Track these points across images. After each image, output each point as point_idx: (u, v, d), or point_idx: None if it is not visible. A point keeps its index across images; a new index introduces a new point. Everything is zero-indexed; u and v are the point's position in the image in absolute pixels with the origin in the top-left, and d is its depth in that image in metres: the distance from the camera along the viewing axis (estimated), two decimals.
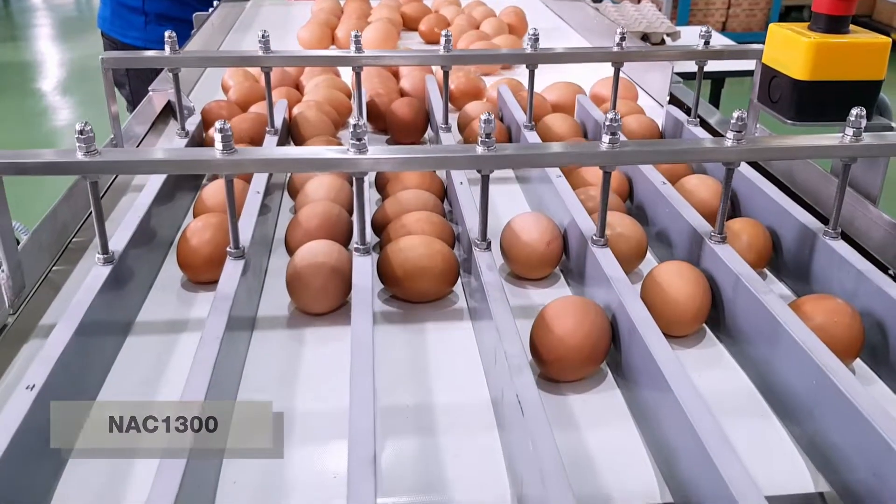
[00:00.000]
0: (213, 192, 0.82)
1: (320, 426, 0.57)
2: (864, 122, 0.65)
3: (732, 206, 0.84)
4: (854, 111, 0.65)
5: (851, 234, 0.78)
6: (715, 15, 5.00)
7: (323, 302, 0.69)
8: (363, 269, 0.65)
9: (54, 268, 0.76)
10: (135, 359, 0.64)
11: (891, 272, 0.71)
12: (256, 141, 0.95)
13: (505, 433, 0.55)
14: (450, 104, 1.11)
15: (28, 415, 0.48)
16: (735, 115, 0.64)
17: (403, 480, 0.53)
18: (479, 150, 0.62)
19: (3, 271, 0.64)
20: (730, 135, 0.64)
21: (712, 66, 1.00)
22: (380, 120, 1.08)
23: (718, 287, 0.67)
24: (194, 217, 0.79)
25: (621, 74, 0.98)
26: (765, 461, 0.54)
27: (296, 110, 1.04)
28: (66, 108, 4.18)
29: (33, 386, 0.50)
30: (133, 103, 1.67)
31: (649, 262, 0.77)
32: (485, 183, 0.65)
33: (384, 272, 0.71)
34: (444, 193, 0.88)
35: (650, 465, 0.54)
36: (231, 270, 0.64)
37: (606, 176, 0.65)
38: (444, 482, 0.53)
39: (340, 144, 0.96)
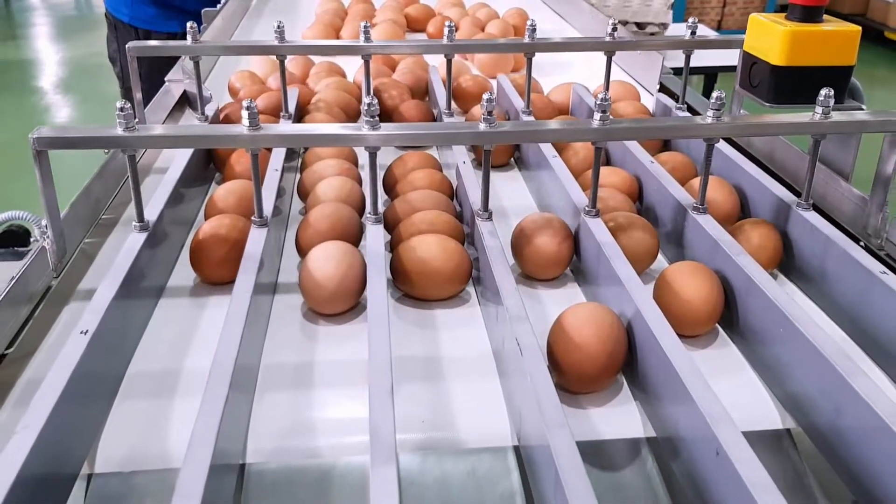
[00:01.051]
0: (224, 194, 0.82)
1: (341, 374, 0.63)
2: (832, 102, 0.71)
3: (742, 210, 0.85)
4: (823, 91, 0.71)
5: (825, 209, 0.84)
6: (710, 14, 5.07)
7: (337, 304, 0.70)
8: (375, 236, 0.71)
9: (86, 240, 0.82)
10: (168, 317, 0.70)
11: (862, 244, 0.77)
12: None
13: (505, 379, 0.62)
14: (458, 106, 1.16)
15: (83, 356, 0.54)
16: (714, 94, 0.71)
17: (415, 420, 0.59)
18: (482, 126, 0.69)
19: (48, 237, 0.70)
20: (710, 112, 0.71)
21: (703, 60, 1.06)
22: (386, 118, 1.09)
23: (694, 255, 0.73)
24: (205, 219, 0.79)
25: (625, 77, 1.04)
26: (740, 404, 0.60)
27: (306, 111, 1.06)
28: (66, 106, 4.24)
29: (87, 331, 0.56)
30: (123, 80, 1.76)
31: (660, 262, 0.79)
32: (486, 158, 0.71)
33: (396, 271, 0.72)
34: (452, 193, 0.88)
35: (635, 408, 0.60)
36: (256, 236, 0.70)
37: (598, 151, 0.72)
38: (451, 422, 0.59)
39: (355, 156, 0.96)
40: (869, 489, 0.51)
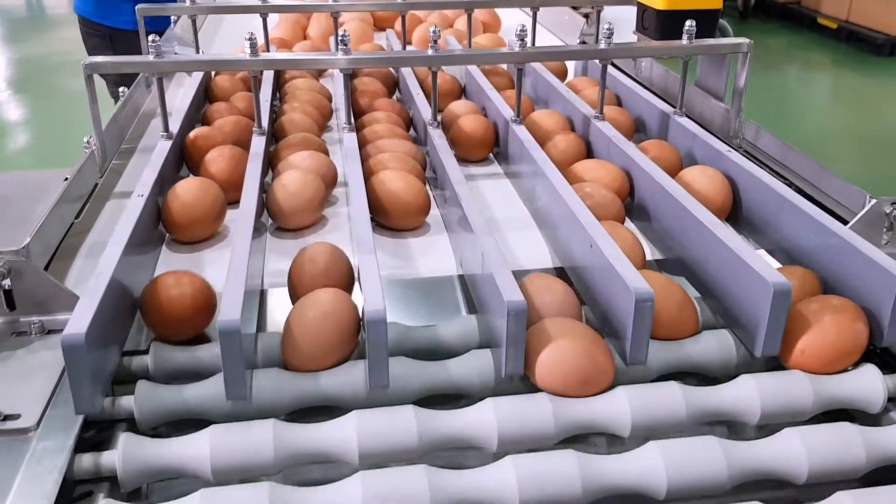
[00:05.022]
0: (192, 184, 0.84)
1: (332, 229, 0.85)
2: (694, 31, 0.94)
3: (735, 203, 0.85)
4: (688, 23, 0.94)
5: (704, 125, 1.06)
6: None
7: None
8: (350, 139, 0.92)
9: (114, 161, 1.02)
10: None
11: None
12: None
13: (453, 233, 0.83)
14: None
15: (142, 210, 0.74)
16: (606, 26, 0.93)
17: (385, 265, 0.80)
18: (430, 52, 0.90)
19: (95, 143, 0.90)
20: (603, 40, 0.93)
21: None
22: (361, 114, 1.07)
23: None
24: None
25: (549, 36, 1.25)
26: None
27: (280, 111, 1.08)
28: (21, 106, 4.14)
29: (143, 195, 0.76)
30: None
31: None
32: (434, 78, 0.93)
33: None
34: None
35: (545, 246, 0.82)
36: (257, 142, 0.91)
37: (519, 73, 0.94)
38: (412, 264, 0.81)
39: (325, 146, 0.99)
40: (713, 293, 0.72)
